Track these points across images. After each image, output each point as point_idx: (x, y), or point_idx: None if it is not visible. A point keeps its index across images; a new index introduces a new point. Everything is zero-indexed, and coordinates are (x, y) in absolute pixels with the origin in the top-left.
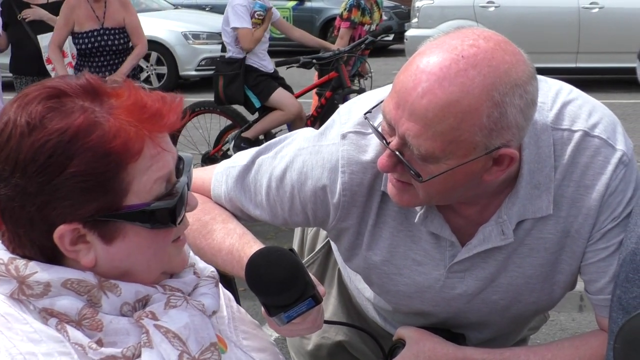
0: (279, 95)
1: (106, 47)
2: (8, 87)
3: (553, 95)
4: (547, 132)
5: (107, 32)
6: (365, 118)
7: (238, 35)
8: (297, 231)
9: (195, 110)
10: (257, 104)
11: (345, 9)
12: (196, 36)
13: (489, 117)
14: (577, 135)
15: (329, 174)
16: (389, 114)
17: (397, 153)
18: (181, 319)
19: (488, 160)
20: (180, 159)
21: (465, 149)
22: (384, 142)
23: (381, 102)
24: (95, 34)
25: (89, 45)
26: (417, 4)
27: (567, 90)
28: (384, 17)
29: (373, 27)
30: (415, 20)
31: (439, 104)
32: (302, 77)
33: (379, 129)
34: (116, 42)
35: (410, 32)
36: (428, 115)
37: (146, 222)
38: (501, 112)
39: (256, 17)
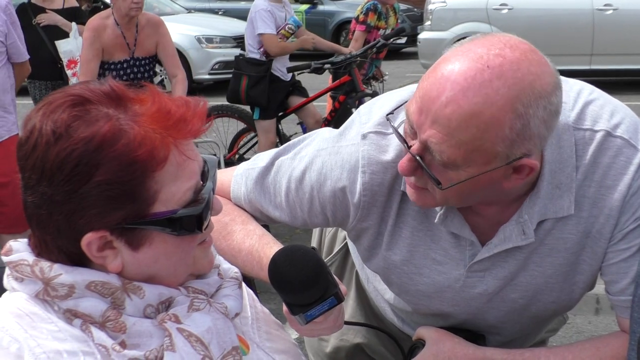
0: (265, 124)
1: (134, 80)
2: (22, 91)
3: (574, 95)
4: (569, 132)
5: (137, 62)
6: (387, 119)
7: (263, 41)
8: (315, 233)
9: (212, 114)
10: (256, 116)
11: (361, 12)
12: (209, 40)
13: (512, 129)
14: (599, 136)
15: (348, 174)
16: (412, 116)
17: (417, 158)
18: (204, 323)
19: (508, 169)
20: (204, 162)
21: (486, 158)
22: (405, 145)
23: (403, 103)
24: (124, 65)
25: (117, 80)
26: (430, 7)
27: (589, 90)
28: (399, 22)
29: (388, 31)
30: (428, 23)
31: (462, 114)
32: (315, 79)
33: (400, 131)
34: (145, 74)
35: (423, 35)
36: (451, 125)
37: (173, 230)
38: (524, 124)
39: (286, 29)
